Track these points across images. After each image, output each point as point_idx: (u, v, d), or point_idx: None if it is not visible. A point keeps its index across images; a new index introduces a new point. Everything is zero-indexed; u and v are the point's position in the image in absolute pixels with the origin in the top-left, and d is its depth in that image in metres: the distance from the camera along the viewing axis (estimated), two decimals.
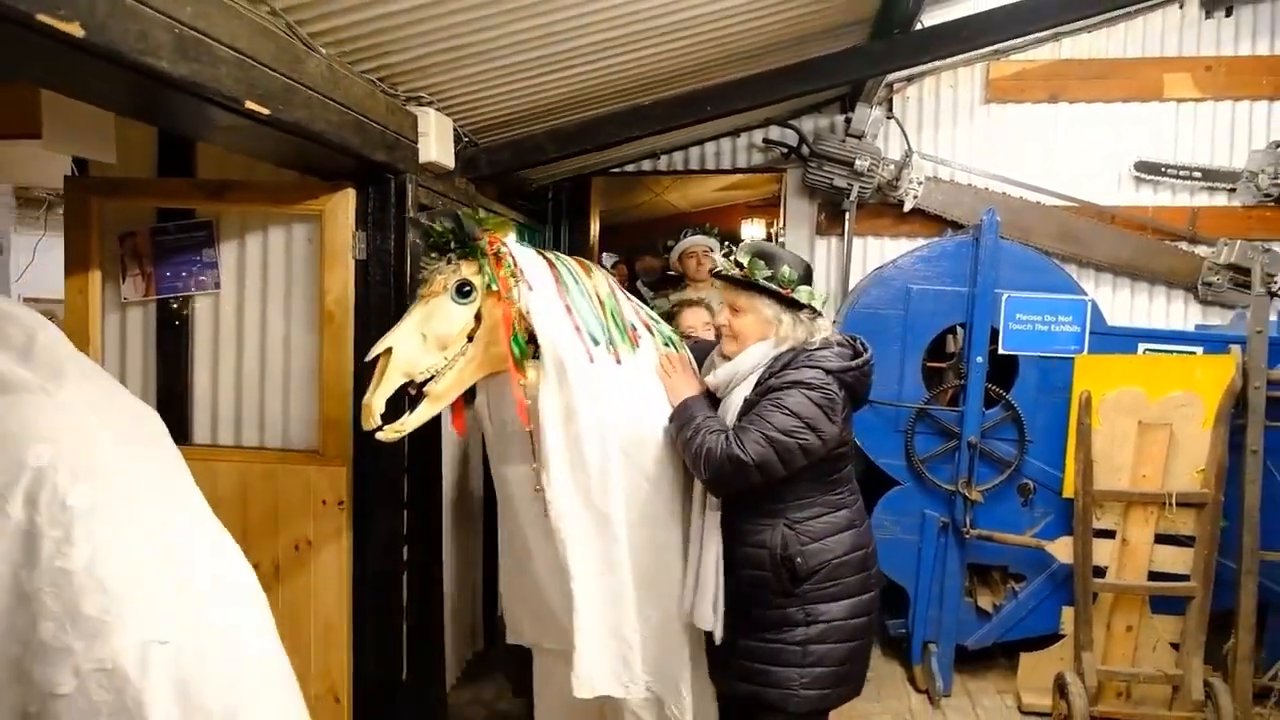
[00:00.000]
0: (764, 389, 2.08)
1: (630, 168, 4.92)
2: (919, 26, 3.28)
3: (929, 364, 3.75)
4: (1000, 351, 3.51)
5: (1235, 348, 3.30)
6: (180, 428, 2.72)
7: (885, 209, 4.56)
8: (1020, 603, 3.57)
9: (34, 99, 2.30)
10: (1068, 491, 3.40)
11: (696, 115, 3.25)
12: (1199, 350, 3.43)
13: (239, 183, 2.62)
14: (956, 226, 4.40)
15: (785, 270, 2.08)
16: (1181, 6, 4.32)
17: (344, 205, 2.58)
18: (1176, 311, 4.40)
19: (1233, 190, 4.33)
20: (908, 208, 4.45)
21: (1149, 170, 4.37)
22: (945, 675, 3.58)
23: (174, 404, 2.74)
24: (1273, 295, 4.10)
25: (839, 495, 2.23)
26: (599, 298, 2.22)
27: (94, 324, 2.66)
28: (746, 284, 2.10)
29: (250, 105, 1.74)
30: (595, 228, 5.50)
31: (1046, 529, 3.50)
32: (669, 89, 3.32)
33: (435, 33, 2.42)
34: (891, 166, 4.40)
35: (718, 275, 2.19)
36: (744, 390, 2.11)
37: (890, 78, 4.42)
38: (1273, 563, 3.24)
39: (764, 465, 1.99)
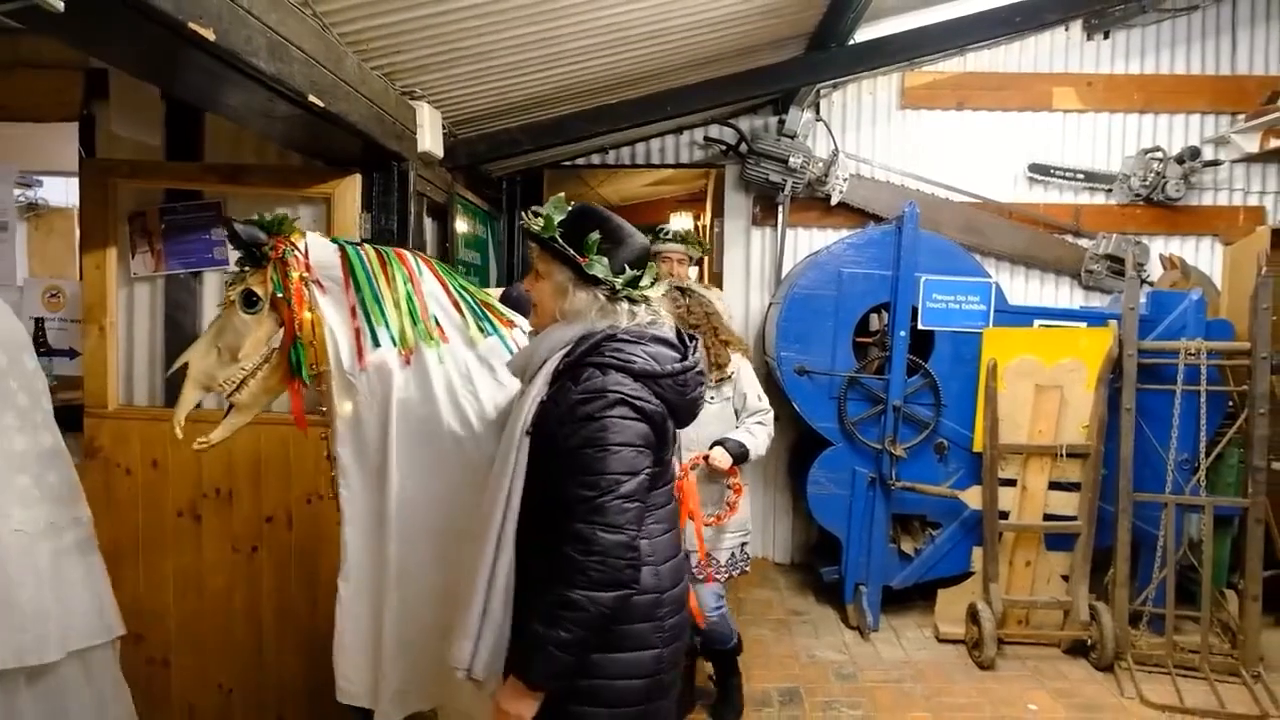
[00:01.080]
0: (564, 400, 1.65)
1: (581, 161, 5.25)
2: (851, 42, 3.75)
3: (857, 339, 4.23)
4: (919, 327, 4.02)
5: (1113, 322, 3.89)
6: None
7: (814, 202, 5.03)
8: (937, 546, 4.09)
9: (65, 85, 2.47)
10: (977, 447, 3.94)
11: (658, 114, 3.63)
12: (1084, 325, 4.02)
13: (253, 167, 2.84)
14: (877, 219, 4.90)
15: (592, 237, 1.67)
16: (1067, 29, 4.94)
17: (352, 189, 2.83)
18: (1064, 295, 5.03)
19: (1109, 190, 4.98)
20: (834, 201, 4.93)
21: (1040, 172, 4.98)
22: (874, 612, 4.07)
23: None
24: (1143, 281, 4.77)
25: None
26: (394, 294, 2.00)
27: (110, 296, 2.83)
28: (540, 240, 1.71)
29: (312, 98, 2.01)
30: None
31: (959, 481, 4.03)
32: (633, 90, 3.67)
33: (436, 37, 2.71)
34: (820, 164, 4.87)
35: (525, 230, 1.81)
36: (540, 387, 1.69)
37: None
38: (1144, 505, 3.84)
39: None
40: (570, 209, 1.73)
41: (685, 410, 1.75)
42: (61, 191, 5.14)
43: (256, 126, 2.30)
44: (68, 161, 3.11)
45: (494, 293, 2.39)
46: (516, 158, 4.16)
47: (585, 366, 1.64)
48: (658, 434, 1.66)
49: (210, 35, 1.55)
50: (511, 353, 2.01)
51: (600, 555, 1.53)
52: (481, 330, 2.06)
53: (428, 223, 3.45)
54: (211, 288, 2.98)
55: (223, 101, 2.01)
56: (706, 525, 2.93)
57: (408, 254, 2.07)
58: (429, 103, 3.10)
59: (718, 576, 3.06)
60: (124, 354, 2.94)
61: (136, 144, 2.90)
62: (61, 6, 1.24)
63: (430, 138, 3.06)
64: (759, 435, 3.00)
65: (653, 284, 1.74)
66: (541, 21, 2.77)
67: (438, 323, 2.04)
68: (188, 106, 2.83)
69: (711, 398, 2.97)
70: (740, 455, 2.94)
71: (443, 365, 1.99)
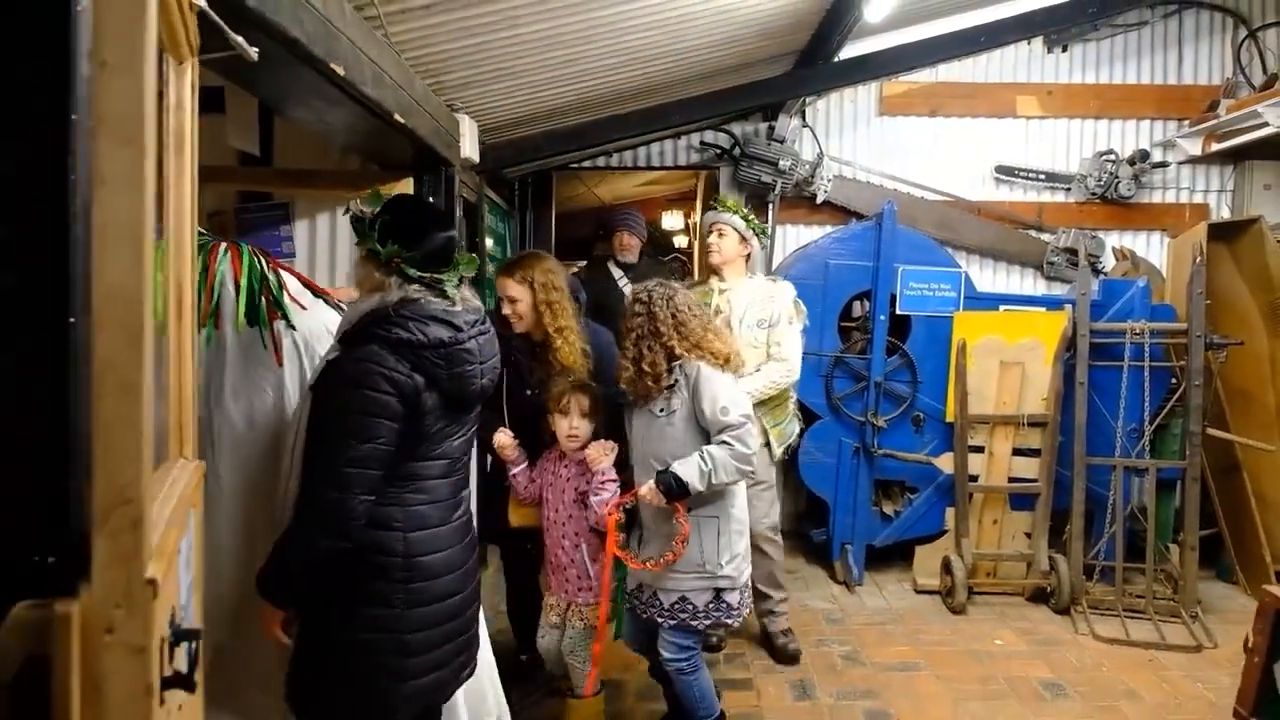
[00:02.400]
0: (335, 364, 1.85)
1: (587, 164, 5.68)
2: (836, 59, 4.21)
3: (841, 324, 4.69)
4: (898, 312, 4.49)
5: (1068, 307, 4.39)
6: None
7: (801, 201, 5.48)
8: (915, 508, 4.57)
9: None
10: (949, 418, 4.42)
11: (664, 123, 4.08)
12: (1043, 309, 4.51)
13: (319, 171, 3.26)
14: (859, 216, 5.37)
15: (381, 221, 1.87)
16: (1029, 43, 5.43)
17: (406, 191, 3.25)
18: (1029, 284, 5.52)
19: (1069, 189, 5.48)
20: (820, 200, 5.39)
21: (1006, 173, 5.46)
22: (859, 568, 4.54)
23: None
24: (1096, 271, 5.28)
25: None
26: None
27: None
28: (353, 223, 1.91)
29: (397, 117, 2.44)
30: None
31: (934, 449, 4.51)
32: (642, 101, 4.12)
33: (479, 60, 3.13)
34: (807, 166, 5.33)
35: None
36: (329, 350, 1.95)
37: None
38: (1096, 468, 4.33)
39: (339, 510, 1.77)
40: (387, 200, 1.94)
41: (454, 388, 1.88)
42: None
43: (342, 138, 2.72)
44: None
45: None
46: (535, 161, 4.58)
47: (361, 335, 1.83)
48: (409, 406, 1.80)
49: (341, 71, 1.97)
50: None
51: (319, 508, 1.76)
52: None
53: (461, 223, 3.87)
54: None
55: (328, 120, 2.43)
56: (645, 568, 2.61)
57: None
58: (468, 114, 3.53)
59: (666, 619, 2.62)
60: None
61: (213, 151, 3.30)
62: (255, 56, 1.66)
63: (469, 145, 3.49)
64: (717, 459, 2.45)
65: (457, 278, 1.93)
66: (569, 46, 3.20)
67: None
68: (262, 117, 3.23)
69: (660, 410, 2.56)
70: (675, 490, 2.45)
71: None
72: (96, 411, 0.87)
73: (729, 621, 2.65)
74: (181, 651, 1.01)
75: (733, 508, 2.66)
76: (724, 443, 2.47)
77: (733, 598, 2.63)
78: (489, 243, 4.26)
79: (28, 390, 0.92)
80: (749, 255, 3.65)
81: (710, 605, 2.61)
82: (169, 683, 0.92)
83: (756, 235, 3.60)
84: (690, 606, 2.60)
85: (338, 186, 3.29)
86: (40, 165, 0.89)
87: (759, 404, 3.39)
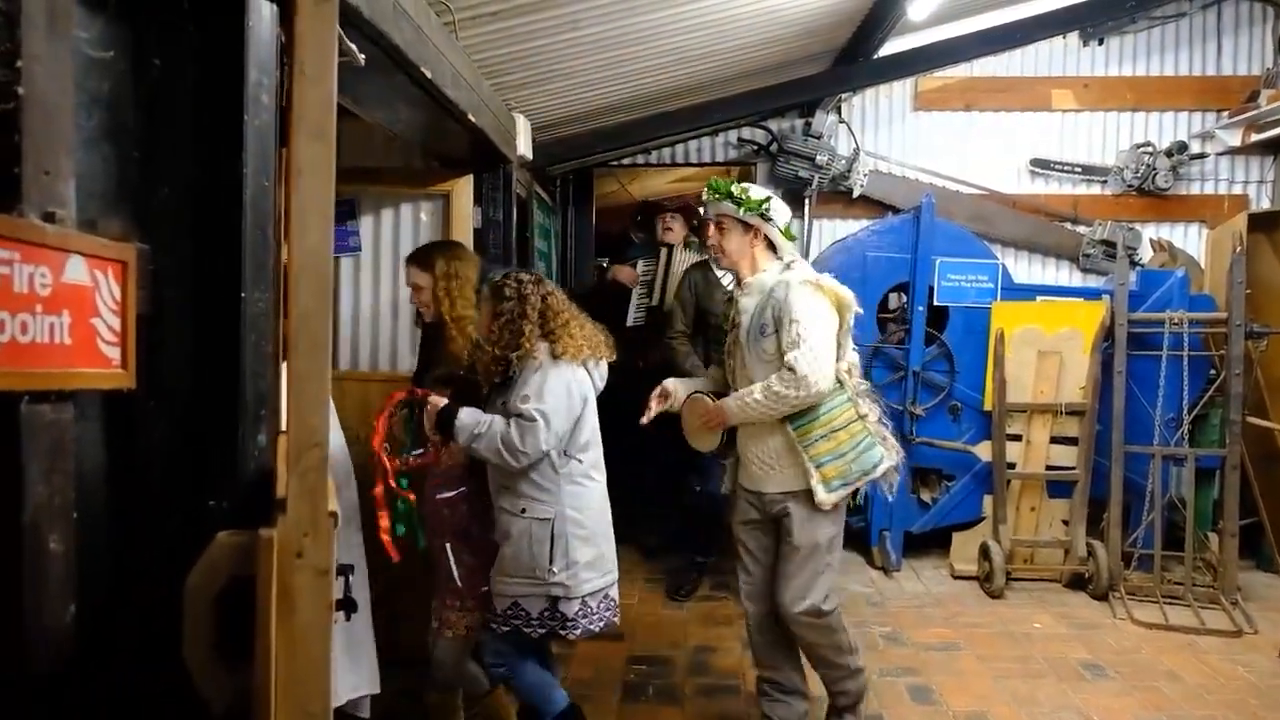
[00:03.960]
0: None
1: (626, 161, 5.82)
2: (877, 56, 4.32)
3: (879, 315, 4.79)
4: (935, 303, 4.58)
5: (1106, 297, 4.46)
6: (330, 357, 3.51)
7: (838, 196, 5.58)
8: (952, 496, 4.66)
9: None
10: (987, 406, 4.51)
11: (706, 120, 4.21)
12: (1080, 300, 4.58)
13: (385, 169, 3.43)
14: (895, 210, 5.46)
15: None
16: (1065, 37, 5.48)
17: (466, 187, 3.41)
18: (1064, 277, 5.58)
19: (1105, 182, 5.52)
20: (856, 194, 5.48)
21: (1041, 166, 5.52)
22: (897, 553, 4.65)
23: None
24: (1134, 263, 5.32)
25: None
26: None
27: None
28: None
29: (470, 116, 2.59)
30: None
31: (971, 437, 4.60)
32: (686, 99, 4.25)
33: (537, 62, 3.28)
34: (843, 161, 5.42)
35: None
36: None
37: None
38: (1134, 457, 4.39)
39: None
40: None
41: None
42: None
43: (412, 135, 2.88)
44: None
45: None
46: (581, 159, 4.73)
47: None
48: None
49: (429, 74, 2.12)
50: None
51: None
52: None
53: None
54: (346, 272, 3.56)
55: (403, 119, 2.59)
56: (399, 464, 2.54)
57: None
58: (522, 113, 3.68)
59: (499, 624, 2.51)
60: None
61: None
62: (363, 61, 1.81)
63: (524, 143, 3.64)
64: (492, 428, 2.39)
65: None
66: (623, 47, 3.34)
67: None
68: None
69: (502, 403, 2.49)
70: (448, 419, 2.43)
71: None
72: (292, 364, 1.02)
73: (565, 634, 2.52)
74: (340, 581, 1.16)
75: (573, 510, 2.50)
76: (508, 423, 2.40)
77: (569, 608, 2.49)
78: (536, 236, 4.41)
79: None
80: (768, 240, 2.76)
81: (545, 614, 2.49)
82: (340, 605, 1.07)
83: (761, 215, 2.70)
84: (523, 613, 2.49)
85: (401, 183, 3.46)
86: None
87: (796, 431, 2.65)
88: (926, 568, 4.73)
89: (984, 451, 4.54)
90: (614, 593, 2.66)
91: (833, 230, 5.64)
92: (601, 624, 2.58)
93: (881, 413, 2.88)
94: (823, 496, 2.60)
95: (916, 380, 4.54)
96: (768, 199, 2.73)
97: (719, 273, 3.92)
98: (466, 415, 2.43)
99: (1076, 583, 4.41)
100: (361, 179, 3.46)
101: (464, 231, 3.44)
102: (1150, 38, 5.49)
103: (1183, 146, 5.32)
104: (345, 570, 1.16)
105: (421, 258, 2.88)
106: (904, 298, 4.80)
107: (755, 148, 5.62)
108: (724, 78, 4.12)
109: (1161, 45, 5.49)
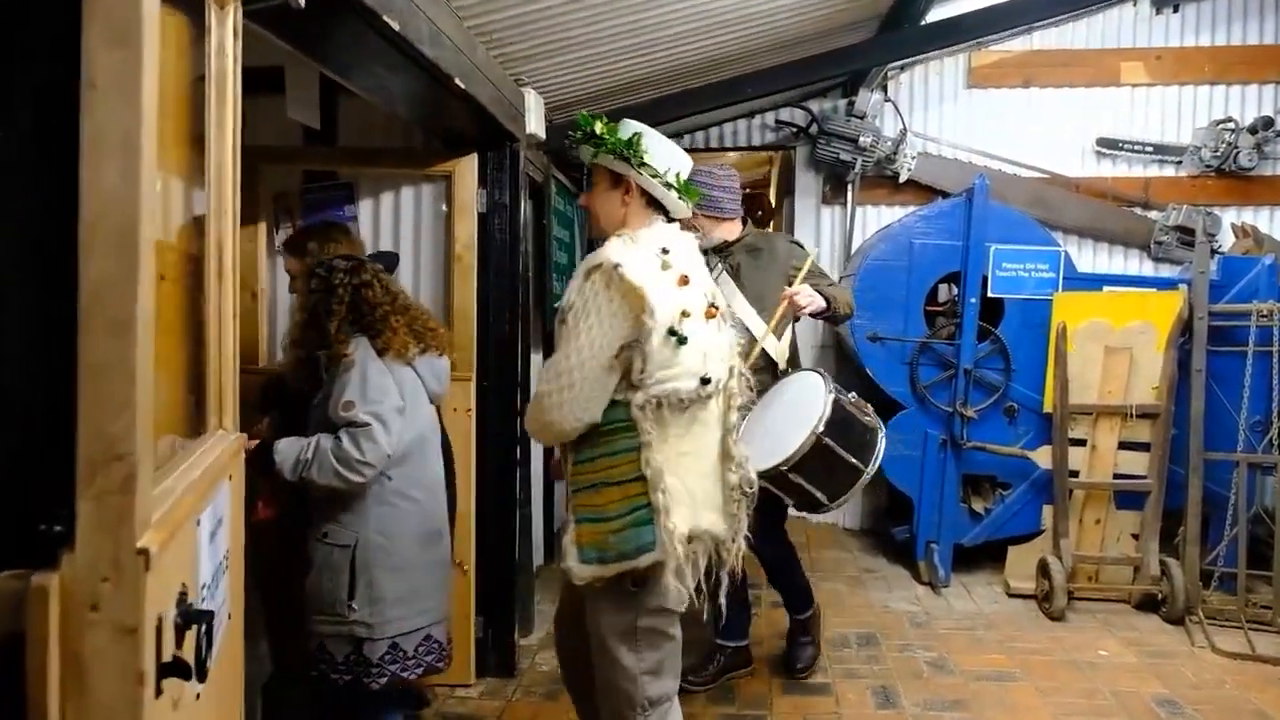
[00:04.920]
0: None
1: None
2: (924, 22, 3.94)
3: (926, 308, 4.41)
4: (989, 294, 4.19)
5: (1183, 286, 4.01)
6: None
7: (882, 181, 5.21)
8: (1007, 506, 4.26)
9: None
10: (1047, 408, 4.10)
11: (739, 96, 3.88)
12: (1152, 290, 4.14)
13: (383, 149, 3.19)
14: (944, 196, 5.06)
15: None
16: (1135, 4, 5.02)
17: (470, 167, 3.15)
18: (1132, 267, 5.11)
19: (1179, 163, 5.05)
20: (903, 179, 5.10)
21: (1108, 146, 5.07)
22: (945, 568, 4.26)
23: None
24: (1214, 251, 4.84)
25: None
26: None
27: (260, 265, 3.21)
28: None
29: (457, 81, 2.32)
30: None
31: (1028, 442, 4.19)
32: (716, 74, 3.93)
33: (546, 29, 2.99)
34: (889, 143, 5.04)
35: None
36: None
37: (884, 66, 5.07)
38: (1214, 465, 3.94)
39: None
40: None
41: None
42: None
43: (405, 110, 2.63)
44: None
45: None
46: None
47: None
48: None
49: (395, 25, 1.86)
50: None
51: None
52: None
53: (528, 203, 3.76)
54: None
55: (389, 87, 2.33)
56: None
57: None
58: (534, 89, 3.41)
59: (310, 668, 2.22)
60: (269, 317, 3.32)
61: (278, 132, 3.26)
62: (303, 4, 1.55)
63: (535, 121, 3.36)
64: (320, 450, 2.11)
65: None
66: (639, 11, 3.04)
67: None
68: (326, 95, 3.18)
69: (315, 401, 2.25)
70: (267, 461, 2.12)
71: None
72: (83, 351, 0.75)
73: (369, 683, 2.16)
74: (192, 636, 0.89)
75: (379, 535, 2.17)
76: (336, 437, 2.11)
77: (374, 651, 2.16)
78: (554, 224, 4.14)
79: None
80: (648, 197, 2.01)
81: (351, 658, 2.16)
82: (169, 670, 0.80)
83: (626, 159, 1.97)
84: (328, 657, 2.17)
85: (402, 164, 3.22)
86: None
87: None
88: (978, 584, 4.33)
89: (1043, 457, 4.12)
90: (439, 633, 2.30)
91: (877, 218, 5.27)
92: (420, 670, 2.25)
93: (717, 480, 2.00)
94: (570, 564, 1.90)
95: (968, 379, 4.15)
96: (637, 135, 1.99)
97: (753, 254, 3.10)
98: (285, 445, 2.12)
99: (1147, 604, 3.98)
100: (360, 160, 3.22)
101: (468, 215, 3.18)
102: (1230, 3, 5.01)
103: (1269, 122, 4.82)
104: (199, 619, 0.88)
105: (294, 243, 2.58)
106: (954, 289, 4.41)
107: (794, 130, 5.28)
108: (757, 48, 3.79)
109: (1244, 10, 4.99)
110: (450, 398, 3.16)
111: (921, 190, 5.14)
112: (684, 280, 1.93)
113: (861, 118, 5.03)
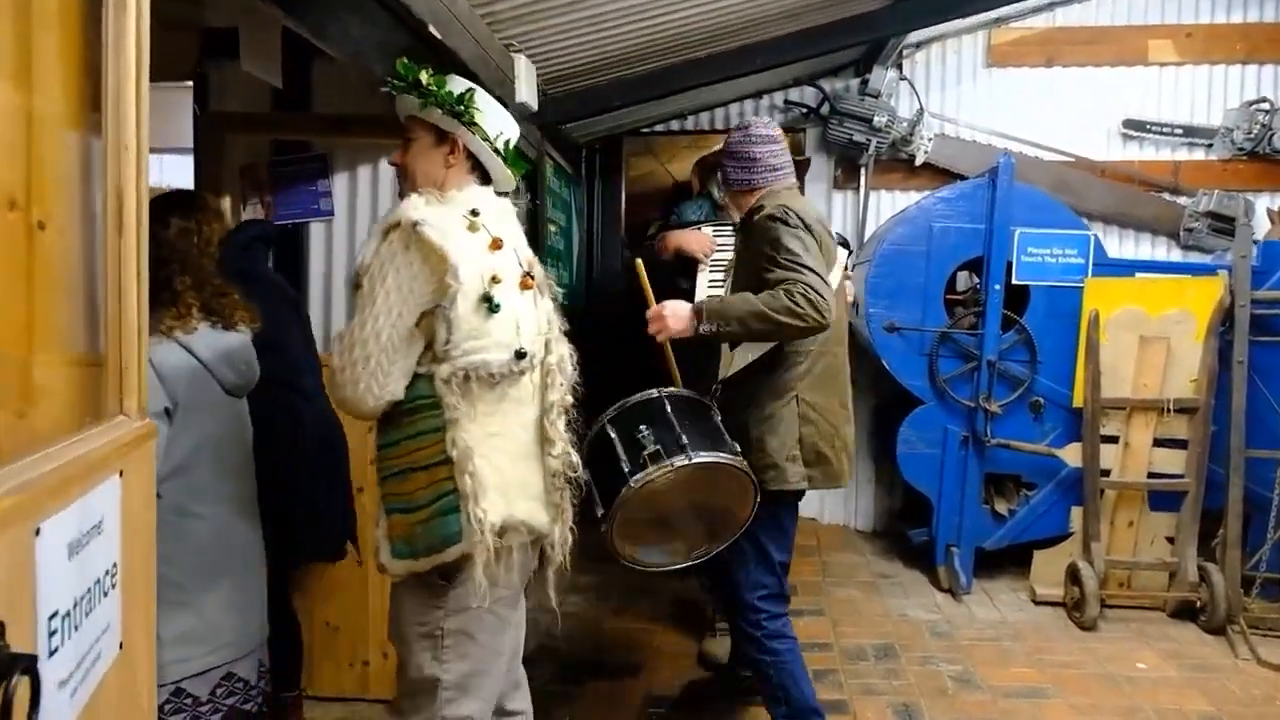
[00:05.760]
0: None
1: (660, 128, 5.25)
2: None
3: (946, 297, 4.14)
4: (1014, 281, 3.91)
5: (1222, 271, 3.74)
6: None
7: (897, 164, 4.94)
8: (1032, 507, 3.99)
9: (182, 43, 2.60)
10: (1077, 403, 3.82)
11: (748, 67, 3.61)
12: (1189, 276, 3.87)
13: (359, 117, 2.92)
14: (963, 179, 4.79)
15: None
16: None
17: None
18: (1160, 255, 4.84)
19: (1210, 145, 4.78)
20: (919, 162, 4.84)
21: (1136, 128, 4.80)
22: (967, 573, 3.99)
23: None
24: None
25: None
26: None
27: None
28: None
29: (431, 29, 2.05)
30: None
31: (1056, 439, 3.92)
32: (723, 43, 3.65)
33: None
34: (905, 124, 4.78)
35: None
36: None
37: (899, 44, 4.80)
38: (1257, 463, 3.67)
39: None
40: None
41: None
42: (184, 172, 5.30)
43: (369, 65, 2.36)
44: (185, 137, 3.17)
45: None
46: (604, 117, 4.18)
47: None
48: None
49: None
50: None
51: None
52: None
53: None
54: (317, 239, 3.07)
55: (356, 36, 2.06)
56: None
57: None
58: (526, 55, 3.14)
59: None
60: None
61: (248, 98, 3.00)
62: None
63: (526, 89, 3.10)
64: None
65: None
66: None
67: None
68: (298, 59, 2.92)
69: None
70: None
71: None
72: None
73: None
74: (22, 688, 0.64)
75: (167, 565, 1.56)
76: None
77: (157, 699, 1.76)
78: (549, 206, 3.87)
79: None
80: (474, 160, 1.82)
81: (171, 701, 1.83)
82: None
83: (464, 120, 1.76)
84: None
85: (379, 133, 2.94)
86: None
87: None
88: (1002, 590, 4.06)
89: (1072, 455, 3.85)
90: (246, 670, 1.95)
91: (892, 203, 5.00)
92: (219, 717, 1.90)
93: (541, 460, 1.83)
94: (385, 559, 1.71)
95: (992, 371, 3.87)
96: (470, 91, 1.78)
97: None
98: None
99: (1184, 612, 3.71)
100: (334, 129, 2.96)
101: None
102: None
103: None
104: (13, 666, 0.62)
105: (158, 212, 2.24)
106: (975, 277, 4.14)
107: (805, 110, 5.02)
108: (767, 15, 3.52)
109: None
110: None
111: (938, 174, 4.89)
112: (496, 244, 1.75)
113: (876, 97, 4.77)
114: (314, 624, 2.76)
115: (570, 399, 1.88)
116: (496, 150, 1.82)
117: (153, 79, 3.05)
